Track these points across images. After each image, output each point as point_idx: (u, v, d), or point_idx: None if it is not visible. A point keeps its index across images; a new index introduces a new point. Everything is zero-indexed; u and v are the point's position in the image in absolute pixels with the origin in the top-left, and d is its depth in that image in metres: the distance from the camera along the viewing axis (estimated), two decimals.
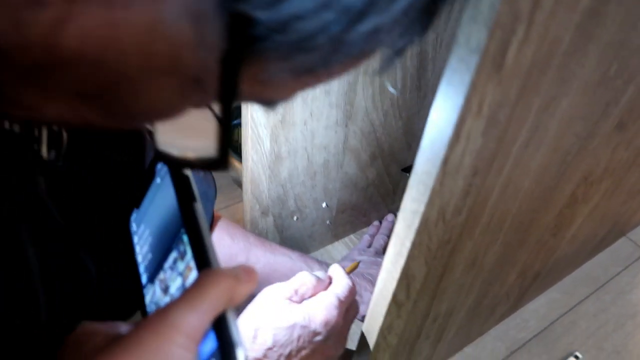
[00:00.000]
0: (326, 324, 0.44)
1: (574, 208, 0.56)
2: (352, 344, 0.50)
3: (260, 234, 0.67)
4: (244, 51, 0.20)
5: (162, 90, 0.21)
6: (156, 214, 0.33)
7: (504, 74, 0.27)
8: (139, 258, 0.34)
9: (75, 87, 0.20)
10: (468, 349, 0.71)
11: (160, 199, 0.33)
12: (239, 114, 0.95)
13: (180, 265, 0.29)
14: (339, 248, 0.81)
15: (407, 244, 0.35)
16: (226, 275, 0.25)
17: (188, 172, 0.31)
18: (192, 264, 0.28)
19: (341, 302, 0.46)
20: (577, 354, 0.71)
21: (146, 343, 0.22)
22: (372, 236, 0.80)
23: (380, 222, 0.84)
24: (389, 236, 0.80)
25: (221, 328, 0.25)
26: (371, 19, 0.20)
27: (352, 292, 0.48)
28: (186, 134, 0.27)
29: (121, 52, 0.18)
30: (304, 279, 0.47)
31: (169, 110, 0.23)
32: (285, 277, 0.50)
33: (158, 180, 0.34)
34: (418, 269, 0.39)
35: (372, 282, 0.66)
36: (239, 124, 0.92)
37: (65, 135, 0.38)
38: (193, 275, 0.27)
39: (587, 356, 0.71)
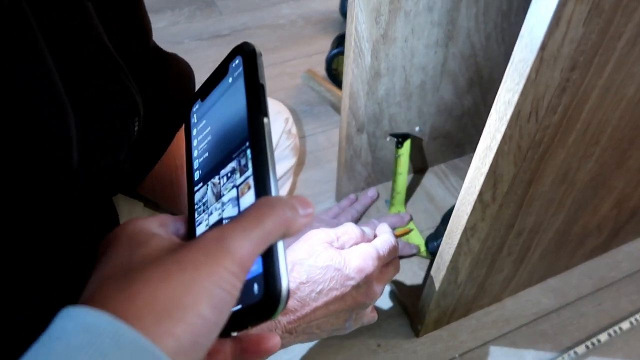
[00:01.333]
0: (360, 271, 0.46)
1: None
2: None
3: (354, 150, 0.71)
4: None
5: None
6: (221, 115, 0.32)
7: None
8: (195, 152, 0.34)
9: None
10: (552, 281, 0.71)
11: (229, 100, 0.31)
12: (341, 42, 0.98)
13: (238, 179, 0.28)
14: (428, 176, 0.83)
15: (498, 137, 0.37)
16: (284, 206, 0.25)
17: (263, 81, 0.29)
18: (252, 182, 0.27)
19: (380, 255, 0.47)
20: None
21: (200, 265, 0.22)
22: (342, 208, 0.75)
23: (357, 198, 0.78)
24: (362, 213, 0.75)
25: (270, 257, 0.25)
26: None
27: (394, 250, 0.50)
28: None
29: None
30: (349, 228, 0.49)
31: None
32: (329, 226, 0.52)
33: (230, 79, 0.31)
34: (506, 167, 0.40)
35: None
36: (340, 52, 0.95)
37: None
38: (250, 194, 0.27)
39: None
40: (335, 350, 0.63)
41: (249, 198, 0.27)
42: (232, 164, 0.29)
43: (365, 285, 0.47)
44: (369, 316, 0.51)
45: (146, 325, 0.20)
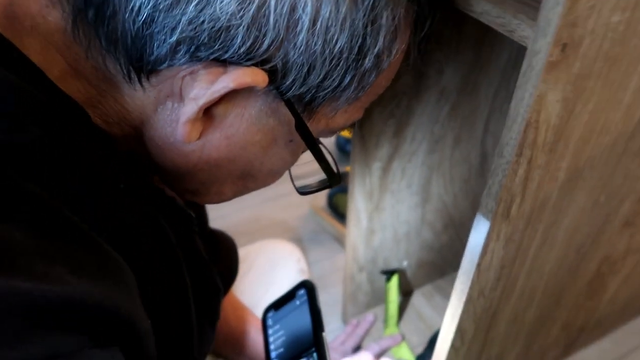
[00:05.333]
0: None
1: (603, 279, 0.71)
2: None
3: (357, 285, 0.89)
4: (305, 112, 0.34)
5: (275, 154, 0.38)
6: (292, 325, 0.50)
7: (511, 219, 0.46)
8: (271, 346, 0.51)
9: (235, 173, 0.39)
10: None
11: (297, 316, 0.50)
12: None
13: None
14: (417, 296, 1.00)
15: (459, 311, 0.55)
16: None
17: (320, 307, 0.49)
18: None
19: None
20: None
21: None
22: (347, 334, 0.89)
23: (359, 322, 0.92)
24: (363, 337, 0.89)
25: None
26: (369, 55, 0.32)
27: None
28: (310, 179, 0.47)
29: (243, 148, 0.35)
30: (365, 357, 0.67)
31: (284, 163, 0.40)
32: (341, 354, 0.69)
33: (297, 302, 0.51)
34: (468, 325, 0.58)
35: None
36: (340, 191, 1.15)
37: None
38: None
39: None
40: None
41: None
42: (304, 359, 0.47)
43: None
44: None
45: None
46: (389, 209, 0.79)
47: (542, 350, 0.79)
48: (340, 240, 1.14)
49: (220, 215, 0.48)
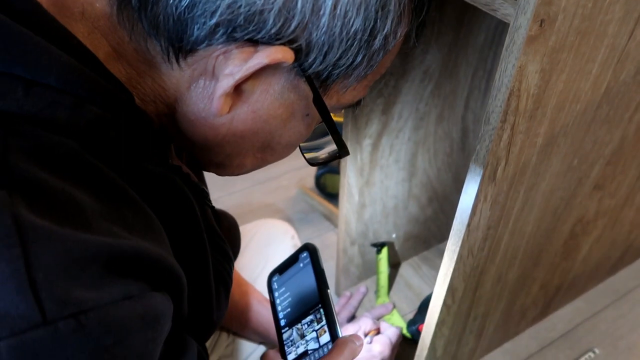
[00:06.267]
0: (381, 352, 0.73)
1: (577, 240, 0.78)
2: None
3: (349, 258, 0.94)
4: (320, 88, 0.38)
5: (293, 127, 0.42)
6: (297, 285, 0.53)
7: (497, 181, 0.51)
8: (278, 308, 0.54)
9: (257, 145, 0.43)
10: (507, 345, 0.93)
11: (301, 277, 0.53)
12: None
13: (316, 326, 0.49)
14: (405, 267, 1.06)
15: (450, 269, 0.60)
16: (351, 343, 0.45)
17: (323, 267, 0.51)
18: (326, 329, 0.48)
19: (392, 342, 0.76)
20: (595, 350, 0.91)
21: None
22: (341, 306, 0.95)
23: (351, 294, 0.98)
24: (357, 307, 0.96)
25: None
26: (379, 36, 0.36)
27: (400, 338, 0.80)
28: (319, 151, 0.51)
29: (266, 122, 0.39)
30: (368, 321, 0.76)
31: (300, 136, 0.44)
32: None
33: (300, 264, 0.53)
34: (458, 284, 0.63)
35: None
36: (327, 171, 1.20)
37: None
38: (326, 336, 0.47)
39: (603, 352, 0.91)
40: None
41: (325, 338, 0.48)
42: (311, 317, 0.51)
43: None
44: None
45: None
46: (378, 183, 0.84)
47: (522, 309, 0.86)
48: (329, 219, 1.18)
49: (212, 199, 0.51)
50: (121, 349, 0.27)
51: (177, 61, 0.34)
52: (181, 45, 0.33)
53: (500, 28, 0.76)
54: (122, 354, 0.27)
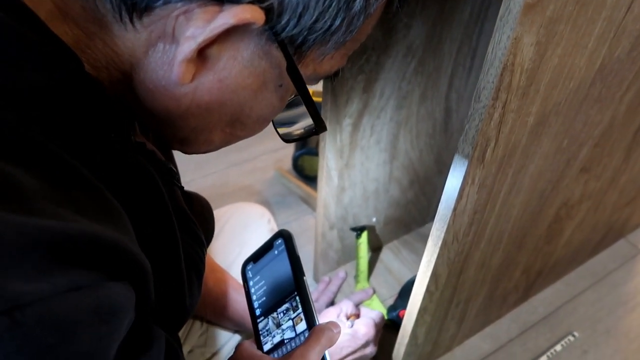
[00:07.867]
0: (365, 334, 0.70)
1: (561, 223, 0.76)
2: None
3: (328, 242, 0.90)
4: (295, 55, 0.34)
5: (265, 99, 0.38)
6: (272, 274, 0.50)
7: (485, 163, 0.48)
8: (253, 297, 0.51)
9: (225, 119, 0.38)
10: (488, 329, 0.92)
11: (276, 265, 0.50)
12: (305, 142, 1.19)
13: (292, 314, 0.47)
14: (385, 252, 1.03)
15: (434, 256, 0.57)
16: (328, 330, 0.44)
17: (298, 254, 0.49)
18: (302, 317, 0.45)
19: (376, 323, 0.73)
20: (575, 333, 0.91)
21: None
22: (320, 292, 0.92)
23: (330, 279, 0.96)
24: (336, 293, 0.94)
25: (324, 358, 0.44)
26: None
27: (383, 319, 0.78)
28: (294, 126, 0.47)
29: (234, 92, 0.35)
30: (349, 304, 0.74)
31: (273, 109, 0.40)
32: None
33: (275, 252, 0.50)
34: (442, 270, 0.60)
35: None
36: (305, 152, 1.16)
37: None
38: (302, 324, 0.45)
39: (582, 335, 0.91)
40: None
41: (302, 326, 0.45)
42: (287, 305, 0.48)
43: (367, 344, 0.70)
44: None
45: None
46: (358, 165, 0.80)
47: (504, 294, 0.84)
48: (307, 202, 1.15)
49: (185, 182, 0.47)
50: (68, 348, 0.23)
51: (131, 21, 0.29)
52: (134, 2, 0.28)
53: (487, 3, 0.73)
54: (69, 353, 0.23)
